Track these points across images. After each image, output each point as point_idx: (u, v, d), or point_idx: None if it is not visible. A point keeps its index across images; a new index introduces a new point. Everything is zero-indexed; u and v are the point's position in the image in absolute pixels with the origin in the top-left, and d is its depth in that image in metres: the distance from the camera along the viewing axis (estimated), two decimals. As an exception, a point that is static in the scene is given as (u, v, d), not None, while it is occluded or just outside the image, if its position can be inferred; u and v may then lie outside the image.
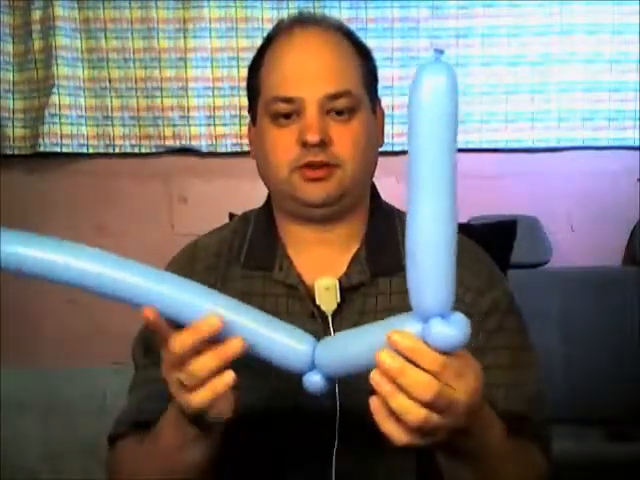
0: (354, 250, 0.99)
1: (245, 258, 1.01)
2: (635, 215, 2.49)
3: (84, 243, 0.77)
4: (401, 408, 0.66)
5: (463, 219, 2.30)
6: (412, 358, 0.66)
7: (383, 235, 1.00)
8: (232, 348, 0.72)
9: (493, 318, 0.97)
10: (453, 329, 0.66)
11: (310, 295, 0.96)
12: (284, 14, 2.39)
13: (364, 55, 1.00)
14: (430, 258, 0.64)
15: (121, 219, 2.48)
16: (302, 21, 1.00)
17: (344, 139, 0.94)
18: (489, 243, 1.07)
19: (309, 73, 0.94)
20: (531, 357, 1.00)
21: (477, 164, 2.54)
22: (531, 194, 2.54)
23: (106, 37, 2.46)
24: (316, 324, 0.95)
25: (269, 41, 1.00)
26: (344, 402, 0.93)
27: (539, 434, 0.95)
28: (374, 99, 1.01)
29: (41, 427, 2.57)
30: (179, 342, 0.73)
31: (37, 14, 2.42)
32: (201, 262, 1.02)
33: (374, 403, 0.68)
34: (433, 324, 0.66)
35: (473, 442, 0.76)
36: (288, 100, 0.94)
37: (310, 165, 0.93)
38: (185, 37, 2.44)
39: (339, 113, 0.94)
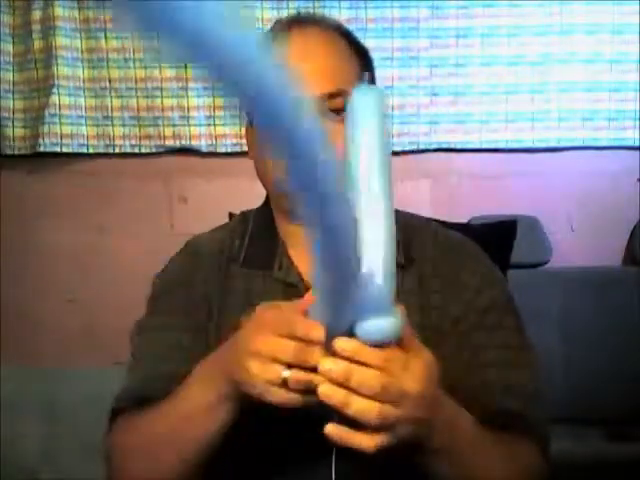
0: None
1: (245, 257, 1.01)
2: (635, 215, 2.49)
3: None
4: (357, 410, 0.68)
5: (463, 219, 2.30)
6: (356, 359, 0.68)
7: None
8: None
9: (491, 316, 0.97)
10: (383, 321, 0.67)
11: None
12: (284, 14, 2.40)
13: (362, 55, 1.00)
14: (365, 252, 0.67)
15: (121, 219, 2.48)
16: (300, 21, 1.00)
17: (341, 139, 0.94)
18: (489, 243, 1.06)
19: (306, 72, 0.94)
20: (529, 357, 0.99)
21: (477, 164, 2.54)
22: (531, 194, 2.54)
23: (106, 37, 2.46)
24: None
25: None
26: None
27: (534, 432, 0.94)
28: None
29: (41, 427, 2.57)
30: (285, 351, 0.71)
31: (37, 14, 2.43)
32: (205, 258, 1.02)
33: (332, 429, 0.70)
34: (362, 320, 0.67)
35: (442, 436, 0.77)
36: None
37: None
38: (185, 37, 2.44)
39: (336, 113, 0.94)
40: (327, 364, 0.69)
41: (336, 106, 0.94)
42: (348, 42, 0.99)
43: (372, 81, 1.02)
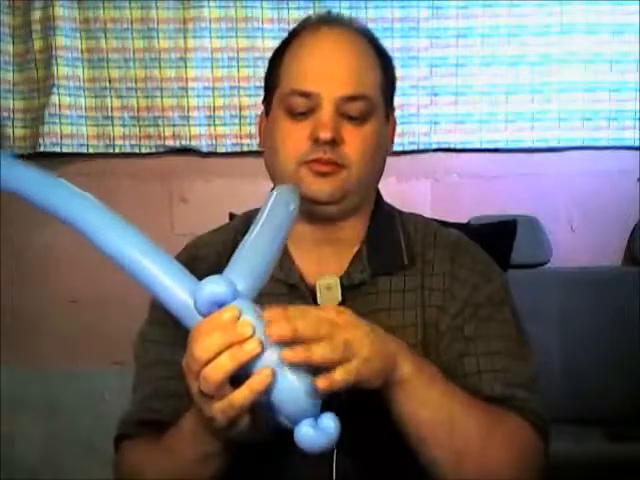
0: (355, 249, 1.00)
1: (245, 258, 1.00)
2: (635, 215, 2.49)
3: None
4: (318, 354, 0.72)
5: (463, 219, 2.30)
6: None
7: (384, 235, 1.01)
8: (249, 351, 0.71)
9: (485, 309, 0.97)
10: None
11: (311, 294, 0.96)
12: (284, 14, 2.40)
13: (385, 62, 1.01)
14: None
15: (121, 219, 2.46)
16: (329, 20, 1.00)
17: (355, 141, 0.94)
18: (489, 243, 1.07)
19: (330, 71, 0.95)
20: (524, 348, 0.98)
21: (477, 164, 2.54)
22: (531, 194, 2.54)
23: (106, 37, 2.46)
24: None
25: (293, 36, 1.00)
26: (345, 400, 0.93)
27: (528, 412, 0.91)
28: (389, 107, 1.02)
29: (41, 427, 2.57)
30: (207, 347, 0.71)
31: (37, 14, 2.43)
32: (203, 261, 1.02)
33: (287, 355, 0.72)
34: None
35: (409, 366, 0.81)
36: (305, 94, 0.94)
37: (318, 161, 0.93)
38: (185, 37, 2.45)
39: (353, 116, 0.95)
40: (274, 330, 0.71)
41: (354, 110, 0.95)
42: (374, 48, 1.00)
43: (393, 87, 1.03)
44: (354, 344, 0.76)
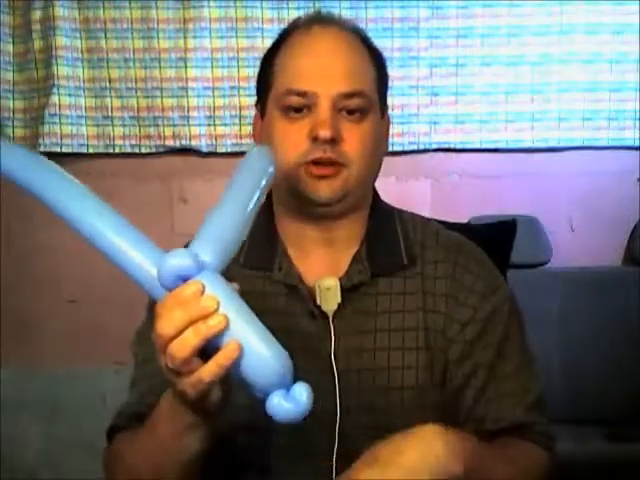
0: (354, 250, 0.99)
1: (245, 257, 1.00)
2: (635, 215, 2.49)
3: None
4: None
5: (463, 219, 2.30)
6: None
7: (383, 235, 1.01)
8: (214, 325, 0.70)
9: (495, 325, 0.97)
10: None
11: (310, 295, 0.96)
12: (284, 14, 2.40)
13: (378, 60, 1.01)
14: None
15: (121, 219, 2.46)
16: (321, 20, 1.00)
17: (354, 139, 0.94)
18: (489, 243, 1.07)
19: (325, 70, 0.94)
20: (530, 358, 1.00)
21: (477, 164, 2.54)
22: (531, 194, 2.54)
23: (106, 37, 2.46)
24: (316, 324, 0.96)
25: (285, 36, 1.00)
26: (345, 402, 0.93)
27: (541, 434, 0.96)
28: (383, 105, 1.01)
29: (41, 427, 2.57)
30: (170, 322, 0.70)
31: (37, 14, 2.42)
32: None
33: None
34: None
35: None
36: (302, 94, 0.94)
37: (317, 162, 0.93)
38: (185, 37, 2.44)
39: (350, 113, 0.94)
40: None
41: (352, 106, 0.94)
42: (365, 45, 0.99)
43: (386, 85, 1.02)
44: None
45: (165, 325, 0.70)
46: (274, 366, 0.70)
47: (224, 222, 0.77)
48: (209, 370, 0.70)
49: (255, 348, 0.70)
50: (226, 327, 0.69)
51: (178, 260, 0.70)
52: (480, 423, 0.94)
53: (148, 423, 0.87)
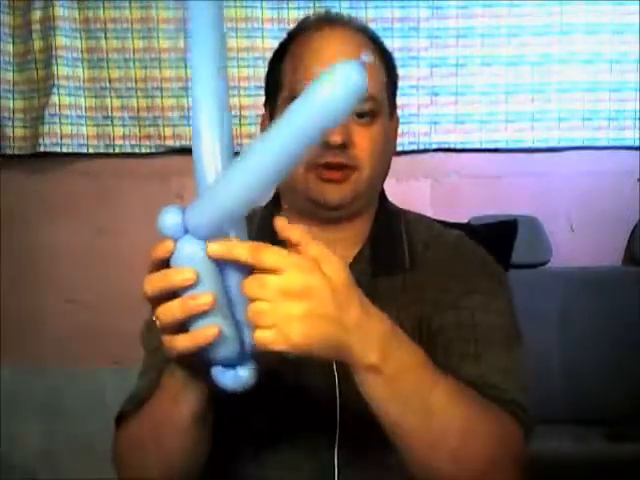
0: (357, 249, 0.99)
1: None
2: (635, 215, 2.49)
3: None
4: (268, 260, 0.68)
5: (463, 219, 2.30)
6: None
7: (387, 235, 1.01)
8: (199, 305, 0.69)
9: (479, 297, 0.95)
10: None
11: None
12: (284, 14, 2.40)
13: (388, 60, 1.01)
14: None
15: (121, 219, 2.47)
16: (330, 20, 0.99)
17: (364, 142, 0.94)
18: (490, 243, 1.07)
19: None
20: (513, 341, 0.95)
21: (477, 164, 2.54)
22: (531, 194, 2.54)
23: (106, 37, 2.46)
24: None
25: (294, 36, 0.99)
26: (344, 390, 0.93)
27: (507, 399, 0.88)
28: (392, 105, 1.01)
29: (41, 426, 2.57)
30: (149, 284, 0.70)
31: (37, 14, 2.43)
32: None
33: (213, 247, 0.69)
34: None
35: (381, 354, 0.72)
36: None
37: (327, 166, 0.93)
38: (185, 37, 2.45)
39: (360, 116, 0.94)
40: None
41: (363, 110, 0.94)
42: (376, 46, 1.00)
43: (395, 85, 1.02)
44: (317, 290, 0.68)
45: (147, 283, 0.69)
46: (233, 347, 0.71)
47: (228, 187, 0.69)
48: (182, 342, 0.70)
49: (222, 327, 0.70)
50: (211, 309, 0.68)
51: (165, 216, 0.71)
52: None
53: (148, 404, 0.87)
